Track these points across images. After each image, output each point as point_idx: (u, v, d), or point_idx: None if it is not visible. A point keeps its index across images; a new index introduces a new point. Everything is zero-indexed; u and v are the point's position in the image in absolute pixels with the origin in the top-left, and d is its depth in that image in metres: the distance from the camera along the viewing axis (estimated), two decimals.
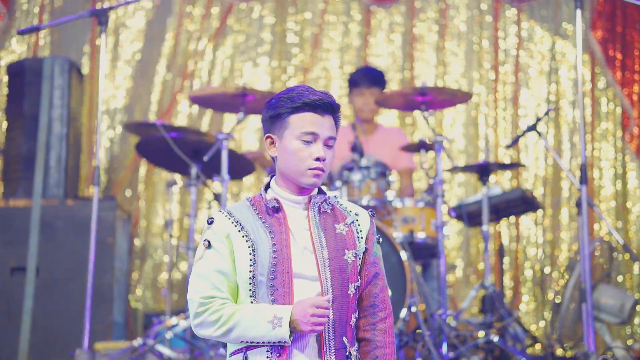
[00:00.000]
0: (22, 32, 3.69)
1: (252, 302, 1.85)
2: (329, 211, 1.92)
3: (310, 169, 1.87)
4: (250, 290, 1.85)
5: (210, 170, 3.91)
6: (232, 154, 3.83)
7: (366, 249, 1.92)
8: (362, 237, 1.92)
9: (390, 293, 1.98)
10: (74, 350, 3.53)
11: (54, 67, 4.51)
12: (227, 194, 3.77)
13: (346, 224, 1.92)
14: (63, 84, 4.52)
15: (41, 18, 5.14)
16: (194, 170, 3.84)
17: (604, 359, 3.03)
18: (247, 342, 1.84)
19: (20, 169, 4.46)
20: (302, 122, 1.88)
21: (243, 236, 1.87)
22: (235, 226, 1.88)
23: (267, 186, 1.95)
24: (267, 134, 1.93)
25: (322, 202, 1.92)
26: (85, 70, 5.07)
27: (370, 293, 1.92)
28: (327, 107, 1.89)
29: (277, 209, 1.89)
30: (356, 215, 1.94)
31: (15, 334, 4.07)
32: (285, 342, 1.80)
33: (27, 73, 4.54)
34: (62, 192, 4.44)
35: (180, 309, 4.26)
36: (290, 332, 1.80)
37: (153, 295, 5.04)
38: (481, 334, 3.74)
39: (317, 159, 1.87)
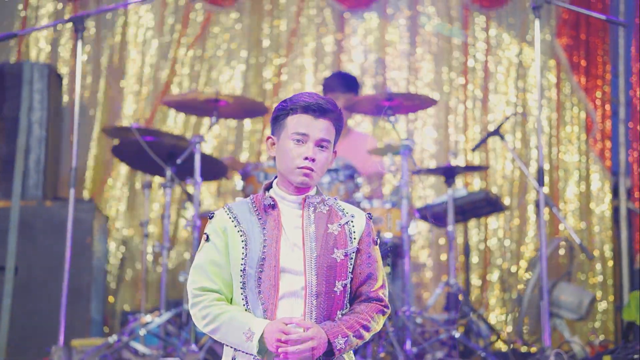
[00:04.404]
0: None
1: (242, 293, 1.97)
2: (324, 211, 2.02)
3: (299, 168, 1.98)
4: (241, 282, 1.97)
5: (185, 172, 4.04)
6: (205, 157, 3.96)
7: (359, 250, 2.01)
8: (354, 238, 2.01)
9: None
10: (50, 347, 3.63)
11: (34, 72, 4.61)
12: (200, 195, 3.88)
13: (340, 224, 2.01)
14: (42, 88, 4.62)
15: (24, 24, 5.27)
16: (168, 172, 3.96)
17: (557, 354, 3.18)
18: None
19: (0, 171, 4.56)
20: (295, 123, 1.99)
21: (238, 231, 1.98)
22: (232, 221, 2.00)
23: (270, 186, 2.07)
24: (268, 136, 2.07)
25: (318, 203, 2.02)
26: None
27: (363, 292, 2.01)
28: (321, 110, 1.99)
29: (272, 207, 2.01)
30: (352, 216, 2.03)
31: None
32: (254, 356, 1.91)
33: (7, 77, 4.64)
34: (40, 193, 4.54)
35: (156, 307, 4.38)
36: (262, 346, 1.91)
37: (131, 293, 5.16)
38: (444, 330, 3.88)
39: (306, 159, 1.97)
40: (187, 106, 4.26)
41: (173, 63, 5.37)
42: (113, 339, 3.77)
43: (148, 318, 3.86)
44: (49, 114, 4.66)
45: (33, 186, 4.54)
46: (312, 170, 2.00)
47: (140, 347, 3.79)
